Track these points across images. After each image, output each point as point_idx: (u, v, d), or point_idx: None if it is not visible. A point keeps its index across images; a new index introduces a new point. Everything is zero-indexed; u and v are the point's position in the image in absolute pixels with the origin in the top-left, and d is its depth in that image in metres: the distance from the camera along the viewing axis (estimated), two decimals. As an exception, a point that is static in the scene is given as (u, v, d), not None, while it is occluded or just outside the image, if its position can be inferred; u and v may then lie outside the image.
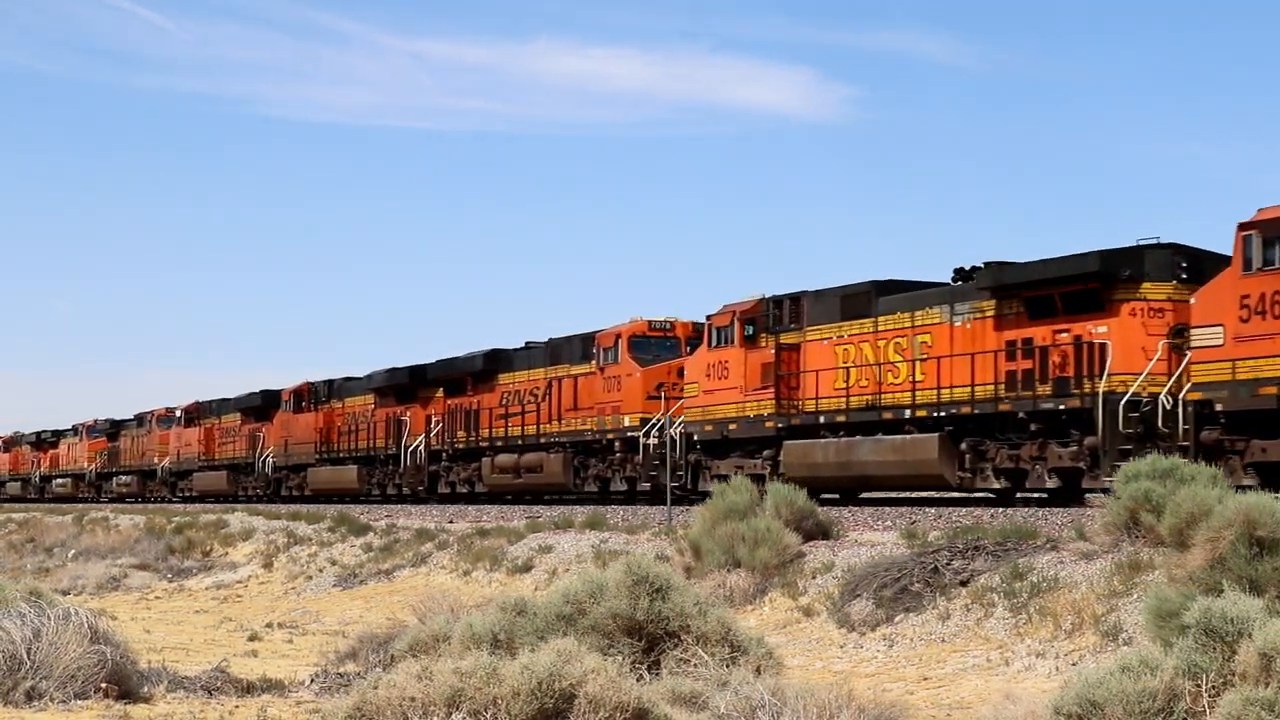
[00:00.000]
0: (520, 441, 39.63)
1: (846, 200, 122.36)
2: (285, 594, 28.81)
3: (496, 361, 42.02)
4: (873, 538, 19.68)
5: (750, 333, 31.19)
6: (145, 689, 12.70)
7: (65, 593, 25.54)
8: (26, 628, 12.04)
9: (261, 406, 57.15)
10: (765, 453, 30.55)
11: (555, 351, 39.52)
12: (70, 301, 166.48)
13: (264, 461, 55.84)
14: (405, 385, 46.14)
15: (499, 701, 9.36)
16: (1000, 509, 23.74)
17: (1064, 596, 14.65)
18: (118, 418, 72.93)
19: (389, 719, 9.41)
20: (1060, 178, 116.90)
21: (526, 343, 41.92)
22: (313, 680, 14.17)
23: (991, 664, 14.11)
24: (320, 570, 29.80)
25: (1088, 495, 24.71)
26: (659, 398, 34.16)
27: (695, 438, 32.39)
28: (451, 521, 31.41)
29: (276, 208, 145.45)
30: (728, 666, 11.22)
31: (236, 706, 12.46)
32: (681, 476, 32.55)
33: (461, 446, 42.94)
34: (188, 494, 62.35)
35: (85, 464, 74.69)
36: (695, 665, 11.37)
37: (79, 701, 11.82)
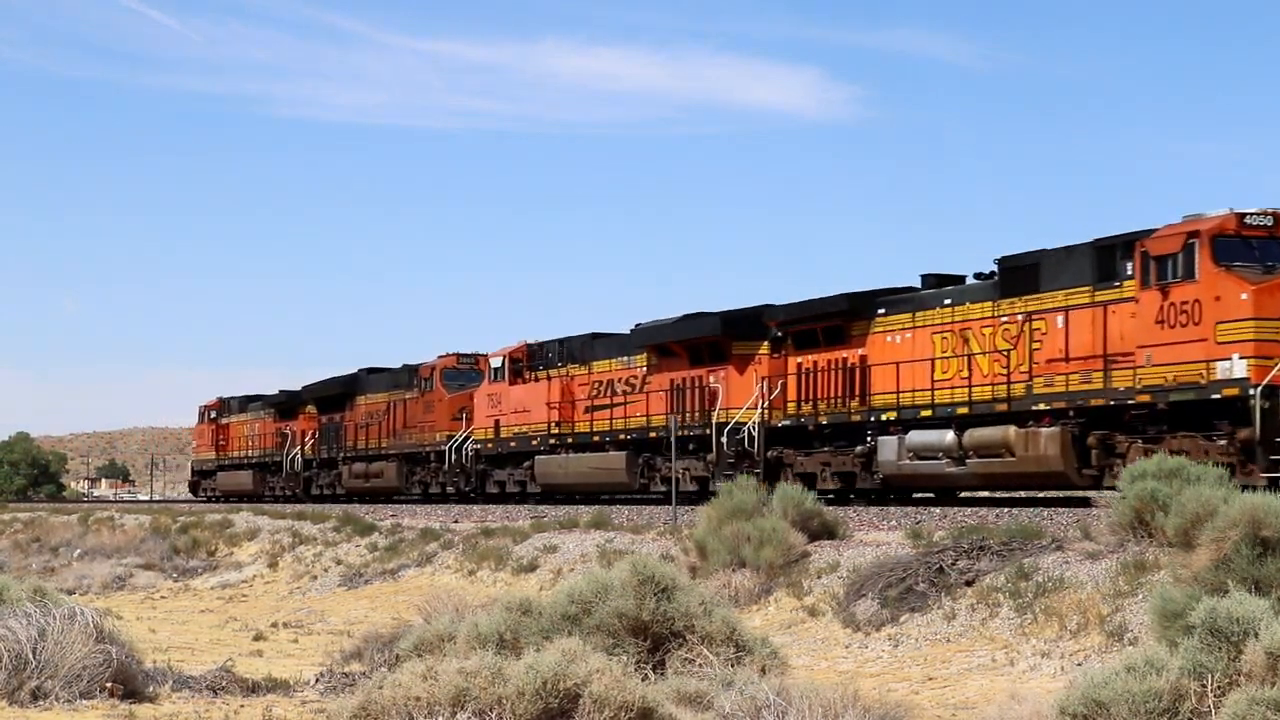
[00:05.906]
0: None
1: (851, 199, 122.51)
2: (290, 594, 28.82)
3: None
4: (878, 537, 19.67)
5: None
6: (150, 688, 12.72)
7: (70, 592, 25.57)
8: (32, 627, 12.05)
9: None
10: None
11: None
12: (78, 300, 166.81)
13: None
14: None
15: (504, 701, 9.36)
16: (1005, 509, 23.81)
17: (1069, 596, 14.64)
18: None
19: (394, 719, 9.42)
20: (1064, 175, 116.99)
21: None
22: (318, 680, 14.18)
23: (997, 664, 14.10)
24: (325, 570, 29.81)
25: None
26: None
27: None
28: (456, 521, 31.43)
29: (284, 207, 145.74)
30: (733, 666, 11.22)
31: (242, 706, 12.47)
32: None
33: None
34: None
35: None
36: (700, 665, 11.37)
37: (84, 701, 11.83)
